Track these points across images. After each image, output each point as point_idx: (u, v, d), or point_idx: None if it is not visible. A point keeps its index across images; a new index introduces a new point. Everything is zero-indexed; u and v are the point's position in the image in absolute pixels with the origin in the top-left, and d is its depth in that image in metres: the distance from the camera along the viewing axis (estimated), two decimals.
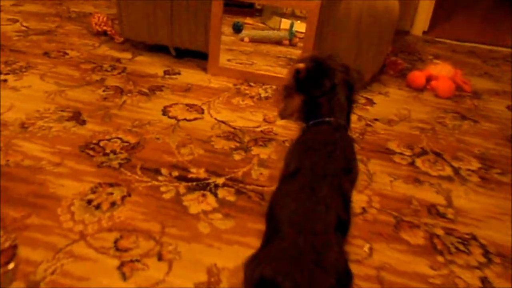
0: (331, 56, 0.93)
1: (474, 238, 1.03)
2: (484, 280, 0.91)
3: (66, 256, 0.87)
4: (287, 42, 2.08)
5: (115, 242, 0.91)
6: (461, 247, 0.99)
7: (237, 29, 2.14)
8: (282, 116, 0.96)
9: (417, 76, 1.88)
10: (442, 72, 1.88)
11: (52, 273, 0.82)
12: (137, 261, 0.87)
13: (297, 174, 0.81)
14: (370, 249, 0.96)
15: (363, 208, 1.09)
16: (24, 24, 2.21)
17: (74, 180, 1.09)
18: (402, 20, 2.70)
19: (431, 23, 2.82)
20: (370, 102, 1.73)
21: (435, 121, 1.62)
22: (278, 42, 2.09)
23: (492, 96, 1.91)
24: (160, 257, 0.89)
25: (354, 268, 0.89)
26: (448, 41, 2.72)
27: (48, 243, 0.89)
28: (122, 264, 0.86)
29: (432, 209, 1.11)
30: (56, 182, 1.08)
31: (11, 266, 0.82)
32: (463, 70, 2.16)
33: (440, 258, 0.95)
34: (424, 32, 2.82)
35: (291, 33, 2.07)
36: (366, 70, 1.75)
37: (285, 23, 2.14)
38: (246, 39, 2.08)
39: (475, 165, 1.35)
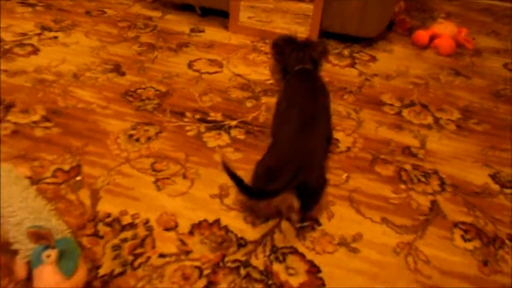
0: (293, 35, 1.29)
1: (436, 172, 1.26)
2: (433, 202, 1.15)
3: (116, 173, 1.17)
4: None
5: (151, 165, 1.21)
6: (422, 179, 1.23)
7: None
8: (274, 79, 1.34)
9: (421, 35, 2.02)
10: (445, 30, 2.01)
11: (108, 184, 1.14)
12: (168, 178, 1.17)
13: (291, 105, 1.14)
14: (347, 177, 1.22)
15: (348, 148, 1.34)
16: None
17: (118, 120, 1.39)
18: None
19: None
20: (373, 59, 1.91)
21: (430, 77, 1.79)
22: None
23: (492, 55, 2.04)
24: (184, 176, 1.18)
25: (332, 190, 1.17)
26: None
27: (103, 164, 1.20)
28: (157, 180, 1.16)
29: (406, 150, 1.35)
30: (105, 121, 1.38)
31: (78, 178, 1.14)
32: (472, 28, 2.27)
33: (402, 186, 1.20)
34: None
35: None
36: (371, 29, 1.92)
37: None
38: None
39: (456, 115, 1.55)
